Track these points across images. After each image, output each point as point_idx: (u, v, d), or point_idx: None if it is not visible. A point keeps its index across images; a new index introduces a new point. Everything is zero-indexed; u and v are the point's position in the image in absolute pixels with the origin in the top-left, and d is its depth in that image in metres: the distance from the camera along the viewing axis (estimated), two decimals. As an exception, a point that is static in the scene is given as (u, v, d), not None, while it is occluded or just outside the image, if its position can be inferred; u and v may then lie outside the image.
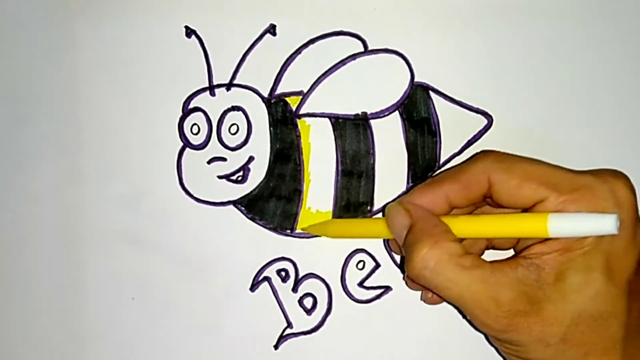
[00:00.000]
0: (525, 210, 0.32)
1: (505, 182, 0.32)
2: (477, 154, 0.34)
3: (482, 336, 0.39)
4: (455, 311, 0.39)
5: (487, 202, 0.34)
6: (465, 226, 0.33)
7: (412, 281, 0.35)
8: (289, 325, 0.39)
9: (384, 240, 0.39)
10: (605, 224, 0.29)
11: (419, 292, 0.39)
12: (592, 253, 0.30)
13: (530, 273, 0.30)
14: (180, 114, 0.39)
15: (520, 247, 0.34)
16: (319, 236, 0.39)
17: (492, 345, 0.36)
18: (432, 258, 0.31)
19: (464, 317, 0.38)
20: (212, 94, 0.39)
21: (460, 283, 0.30)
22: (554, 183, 0.31)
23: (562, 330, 0.30)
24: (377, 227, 0.36)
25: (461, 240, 0.33)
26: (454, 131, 0.39)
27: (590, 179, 0.31)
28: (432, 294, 0.35)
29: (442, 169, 0.39)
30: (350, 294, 0.39)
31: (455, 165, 0.35)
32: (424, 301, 0.38)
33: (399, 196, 0.39)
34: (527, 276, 0.30)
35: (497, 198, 0.32)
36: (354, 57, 0.38)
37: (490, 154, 0.33)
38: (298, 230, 0.39)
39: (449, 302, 0.33)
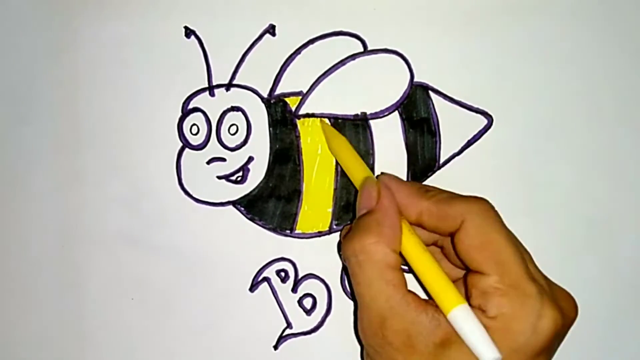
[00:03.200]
0: (469, 271, 0.32)
1: (472, 236, 0.31)
2: (470, 196, 0.33)
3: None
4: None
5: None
6: (408, 248, 0.32)
7: None
8: (289, 325, 0.39)
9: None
10: (484, 355, 0.29)
11: (419, 292, 0.39)
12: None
13: (428, 326, 0.30)
14: (180, 114, 0.39)
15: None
16: (319, 235, 0.39)
17: None
18: (366, 252, 0.31)
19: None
20: (212, 94, 0.39)
21: (372, 289, 0.31)
22: (507, 271, 0.30)
23: None
24: (359, 175, 0.36)
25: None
26: (453, 131, 0.39)
27: (535, 290, 0.30)
28: None
29: (442, 169, 0.39)
30: (350, 295, 0.39)
31: (449, 192, 0.34)
32: None
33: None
34: (424, 327, 0.30)
35: (455, 242, 0.32)
36: (353, 57, 0.38)
37: (484, 205, 0.32)
38: (297, 231, 0.39)
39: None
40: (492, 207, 0.32)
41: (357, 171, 0.36)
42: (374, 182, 0.34)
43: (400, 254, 0.32)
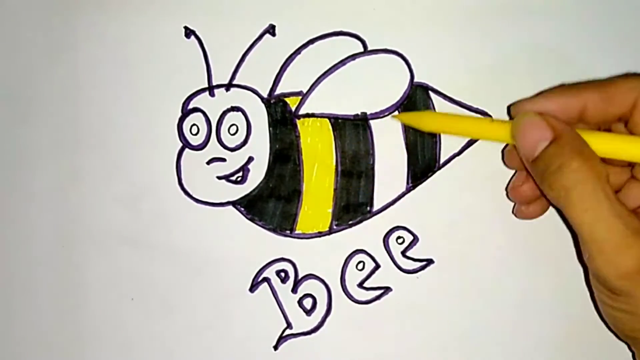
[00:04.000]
0: None
1: None
2: (624, 74, 0.32)
3: (481, 337, 0.39)
4: (455, 312, 0.39)
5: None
6: (608, 145, 0.30)
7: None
8: (289, 325, 0.39)
9: (383, 239, 0.39)
10: None
11: (419, 293, 0.39)
12: None
13: None
14: (180, 114, 0.39)
15: None
16: (319, 236, 0.39)
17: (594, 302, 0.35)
18: (582, 174, 0.29)
19: (580, 259, 0.37)
20: (212, 94, 0.39)
21: (601, 210, 0.29)
22: None
23: None
24: (488, 128, 0.34)
25: None
26: (453, 131, 0.39)
27: None
28: (530, 206, 0.35)
29: (442, 169, 0.39)
30: (350, 295, 0.39)
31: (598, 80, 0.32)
32: (516, 214, 0.37)
33: (398, 197, 0.39)
34: None
35: (637, 122, 0.31)
36: (353, 57, 0.38)
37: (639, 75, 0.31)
38: (297, 231, 0.39)
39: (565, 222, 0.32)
40: None
41: (480, 126, 0.35)
42: (531, 118, 0.32)
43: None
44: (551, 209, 0.38)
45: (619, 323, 0.32)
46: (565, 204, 0.30)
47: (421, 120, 0.37)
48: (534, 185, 0.35)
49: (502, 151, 0.38)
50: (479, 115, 0.38)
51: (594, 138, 0.31)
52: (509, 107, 0.36)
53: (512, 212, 0.38)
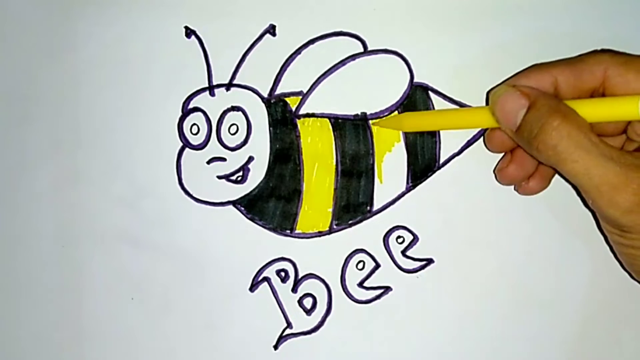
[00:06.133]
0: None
1: (622, 75, 0.31)
2: (592, 51, 0.33)
3: (481, 337, 0.39)
4: (455, 312, 0.39)
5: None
6: (591, 108, 0.31)
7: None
8: (289, 325, 0.39)
9: (383, 239, 0.39)
10: None
11: (419, 293, 0.39)
12: None
13: None
14: (180, 114, 0.39)
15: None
16: (319, 235, 0.39)
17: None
18: (565, 129, 0.30)
19: (585, 204, 0.37)
20: (212, 94, 0.39)
21: (591, 157, 0.30)
22: None
23: None
24: (467, 116, 0.36)
25: None
26: (453, 131, 0.39)
27: None
28: (529, 182, 0.36)
29: (442, 169, 0.39)
30: (350, 294, 0.39)
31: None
32: (520, 191, 0.37)
33: (398, 197, 0.39)
34: None
35: (610, 93, 0.32)
36: (353, 57, 0.38)
37: (606, 50, 0.33)
38: (297, 231, 0.39)
39: (567, 181, 0.32)
40: (613, 50, 0.33)
41: (457, 116, 0.36)
42: (504, 90, 0.33)
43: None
44: (553, 209, 0.38)
45: (636, 260, 0.33)
46: (556, 161, 0.31)
47: (401, 123, 0.38)
48: (519, 166, 0.36)
49: (483, 137, 0.38)
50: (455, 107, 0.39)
51: (575, 105, 0.32)
52: (487, 95, 0.37)
53: (515, 189, 0.38)
